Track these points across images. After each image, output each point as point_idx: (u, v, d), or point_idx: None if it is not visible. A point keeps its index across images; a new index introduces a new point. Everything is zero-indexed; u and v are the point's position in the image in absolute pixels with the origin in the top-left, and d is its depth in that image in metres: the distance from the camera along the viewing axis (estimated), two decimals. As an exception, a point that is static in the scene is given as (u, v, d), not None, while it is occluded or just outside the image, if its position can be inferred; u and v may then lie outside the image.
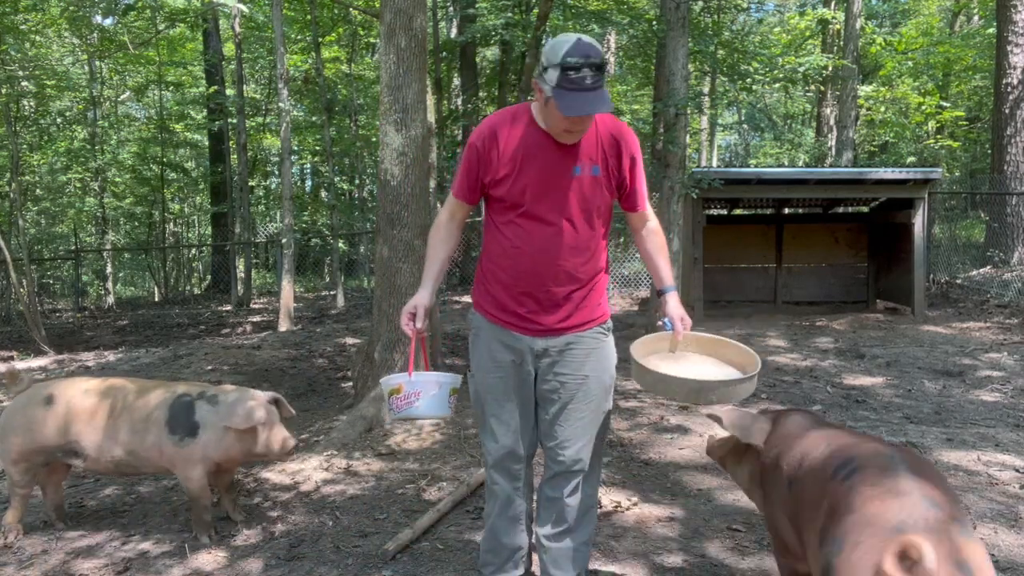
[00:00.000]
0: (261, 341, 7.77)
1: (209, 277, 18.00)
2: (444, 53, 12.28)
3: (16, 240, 12.26)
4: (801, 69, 11.54)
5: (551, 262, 2.22)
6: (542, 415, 2.38)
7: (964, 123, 16.79)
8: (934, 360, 6.06)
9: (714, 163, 23.42)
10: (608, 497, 3.34)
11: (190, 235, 22.61)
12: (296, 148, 17.21)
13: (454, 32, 13.20)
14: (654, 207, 2.48)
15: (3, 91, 11.48)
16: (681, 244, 7.57)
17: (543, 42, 9.43)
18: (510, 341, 2.31)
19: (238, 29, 12.79)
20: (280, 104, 10.03)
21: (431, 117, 7.19)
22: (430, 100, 6.74)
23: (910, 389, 5.27)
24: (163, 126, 17.09)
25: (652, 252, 2.41)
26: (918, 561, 1.43)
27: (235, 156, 14.07)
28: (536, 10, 9.17)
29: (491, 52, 15.56)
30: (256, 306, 13.48)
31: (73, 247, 16.49)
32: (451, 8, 12.93)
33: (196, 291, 17.93)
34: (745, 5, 14.26)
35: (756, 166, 22.63)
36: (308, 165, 20.97)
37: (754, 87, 12.51)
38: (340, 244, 14.50)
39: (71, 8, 12.52)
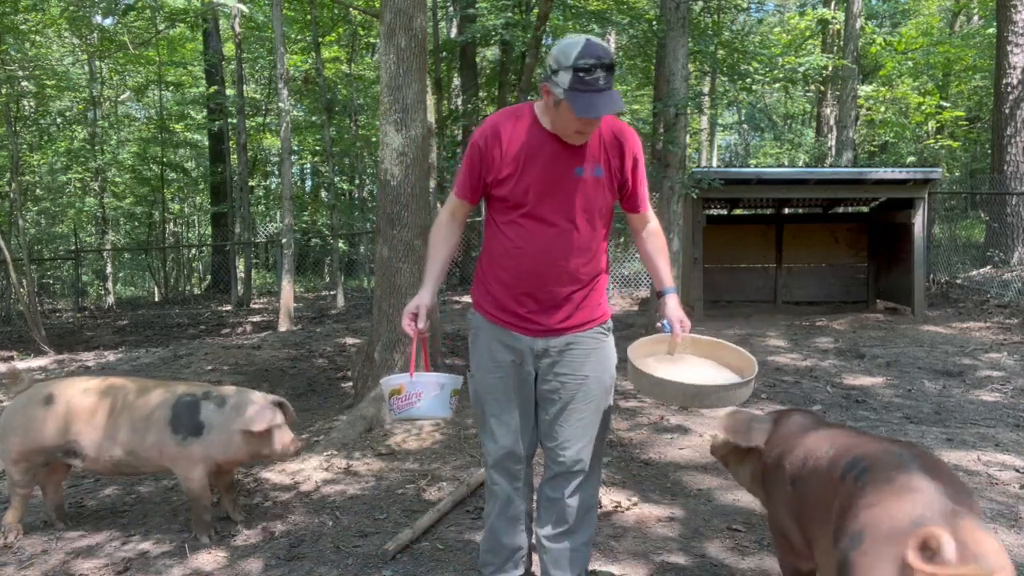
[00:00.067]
0: (261, 341, 7.77)
1: (209, 277, 18.01)
2: (444, 53, 12.29)
3: (16, 240, 12.26)
4: (801, 69, 11.55)
5: (553, 262, 2.22)
6: (542, 415, 2.37)
7: (964, 123, 16.79)
8: (934, 360, 6.06)
9: (714, 163, 23.43)
10: (608, 497, 3.34)
11: (190, 235, 22.61)
12: (296, 148, 17.21)
13: (454, 32, 13.20)
14: (654, 207, 2.48)
15: (3, 91, 11.47)
16: (681, 244, 7.57)
17: (543, 42, 9.45)
18: (510, 341, 2.31)
19: (238, 29, 12.79)
20: (280, 104, 10.03)
21: (431, 117, 7.20)
22: (430, 100, 6.75)
23: (910, 389, 5.27)
24: (163, 126, 17.10)
25: (652, 253, 2.41)
26: (938, 552, 1.46)
27: (235, 156, 14.08)
28: (536, 10, 9.17)
29: (491, 52, 15.56)
30: (256, 306, 13.48)
31: (73, 247, 16.48)
32: (451, 8, 12.93)
33: (196, 291, 17.93)
34: (745, 5, 14.26)
35: (756, 166, 22.63)
36: (308, 165, 20.98)
37: (754, 87, 12.52)
38: (340, 244, 14.51)
39: (71, 8, 12.52)
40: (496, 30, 9.77)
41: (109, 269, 15.86)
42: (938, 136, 16.73)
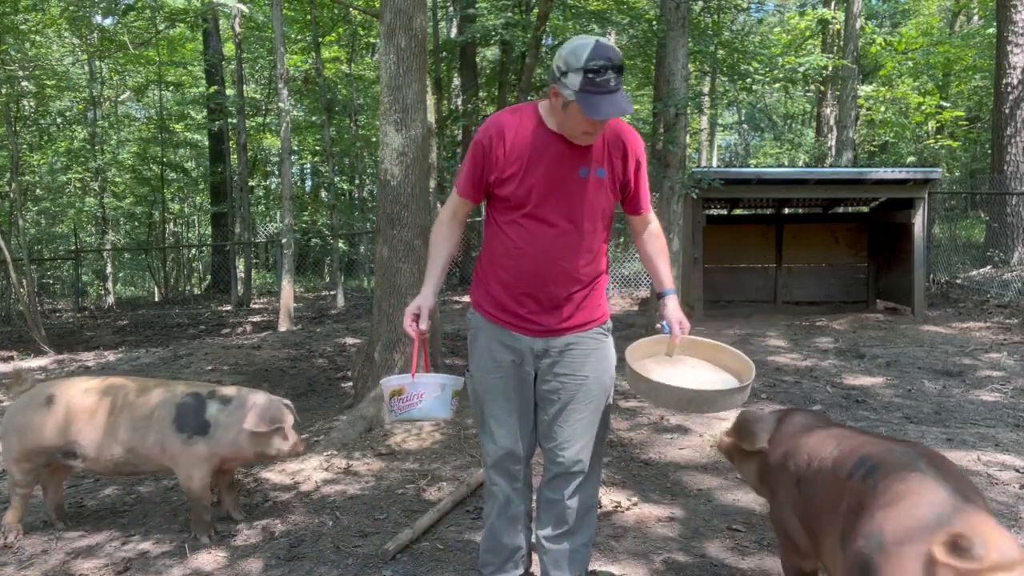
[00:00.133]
0: (261, 341, 7.77)
1: (209, 277, 18.01)
2: (444, 53, 12.29)
3: (16, 240, 12.26)
4: (801, 69, 11.55)
5: (554, 263, 2.22)
6: (541, 416, 2.37)
7: (964, 123, 16.79)
8: (934, 360, 6.06)
9: (714, 163, 23.43)
10: (608, 497, 3.34)
11: (190, 235, 22.61)
12: (296, 148, 17.22)
13: (454, 32, 13.20)
14: (654, 207, 2.48)
15: (3, 91, 11.47)
16: (681, 244, 7.57)
17: (543, 42, 9.45)
18: (510, 341, 2.30)
19: (238, 29, 12.79)
20: (280, 104, 10.03)
21: (431, 117, 7.20)
22: (430, 100, 6.75)
23: (910, 389, 5.27)
24: (163, 126, 17.10)
25: (652, 255, 2.42)
26: (968, 549, 1.49)
27: (235, 156, 14.08)
28: (536, 10, 9.17)
29: (491, 52, 15.56)
30: (256, 306, 13.48)
31: (73, 247, 16.49)
32: (451, 8, 12.93)
33: (196, 291, 17.93)
34: (745, 5, 14.27)
35: (756, 166, 22.64)
36: (308, 165, 20.98)
37: (754, 87, 12.52)
38: (340, 244, 14.51)
39: (71, 8, 12.52)
40: (496, 30, 9.77)
41: (109, 269, 15.86)
42: (938, 136, 16.73)
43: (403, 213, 4.56)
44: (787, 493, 2.14)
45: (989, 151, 12.92)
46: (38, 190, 16.51)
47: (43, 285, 15.09)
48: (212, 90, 14.70)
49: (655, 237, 2.42)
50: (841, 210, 10.04)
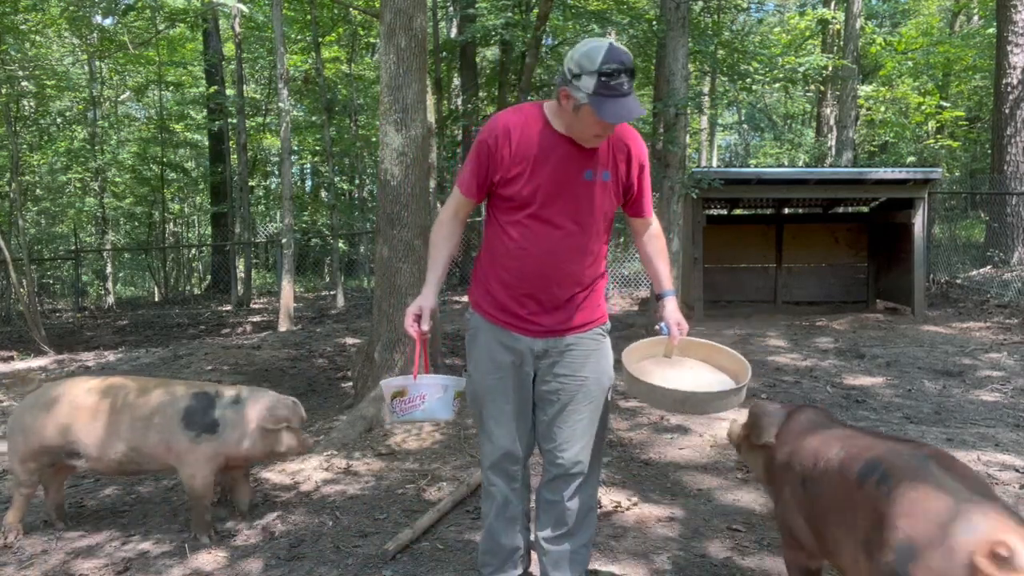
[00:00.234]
0: (261, 341, 7.77)
1: (209, 277, 18.01)
2: (444, 53, 12.29)
3: (16, 240, 12.26)
4: (801, 69, 11.55)
5: (557, 264, 2.22)
6: (540, 417, 2.37)
7: (964, 123, 16.79)
8: (934, 360, 6.06)
9: (714, 163, 23.43)
10: (608, 497, 3.34)
11: (190, 235, 22.61)
12: (296, 148, 17.22)
13: (454, 32, 13.20)
14: (654, 207, 2.49)
15: (3, 91, 11.47)
16: (681, 244, 7.57)
17: (543, 42, 9.45)
18: (510, 342, 2.30)
19: (238, 29, 12.79)
20: (280, 104, 10.03)
21: (431, 117, 7.20)
22: (430, 100, 6.75)
23: (910, 389, 5.27)
24: (163, 126, 17.10)
25: (652, 256, 2.42)
26: (1009, 558, 1.49)
27: (235, 156, 14.08)
28: (536, 10, 9.17)
29: (491, 52, 15.56)
30: (256, 306, 13.48)
31: (73, 247, 16.49)
32: (451, 8, 12.93)
33: (196, 291, 17.93)
34: (745, 5, 14.27)
35: (756, 166, 22.63)
36: (308, 165, 20.98)
37: (754, 87, 12.53)
38: (340, 244, 14.51)
39: (71, 8, 12.52)
40: (496, 30, 9.77)
41: (109, 269, 15.86)
42: (938, 136, 16.73)
43: (403, 213, 4.56)
44: (792, 492, 2.15)
45: (989, 151, 12.93)
46: (38, 190, 16.51)
47: (43, 285, 15.10)
48: (212, 90, 14.70)
49: (655, 238, 2.43)
50: (841, 210, 10.04)
